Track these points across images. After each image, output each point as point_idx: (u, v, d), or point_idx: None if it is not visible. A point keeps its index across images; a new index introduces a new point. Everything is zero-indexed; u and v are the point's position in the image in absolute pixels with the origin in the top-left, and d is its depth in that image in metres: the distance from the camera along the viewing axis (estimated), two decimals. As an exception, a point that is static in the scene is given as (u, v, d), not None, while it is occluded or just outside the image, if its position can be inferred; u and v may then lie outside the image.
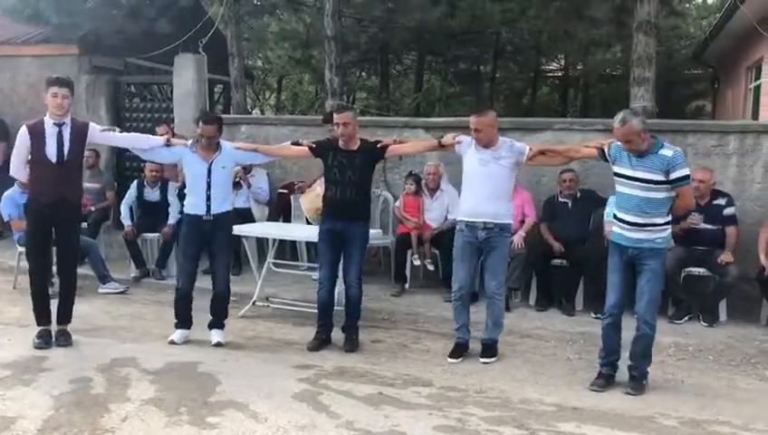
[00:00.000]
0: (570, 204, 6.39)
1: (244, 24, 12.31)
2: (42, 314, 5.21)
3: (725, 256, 5.78)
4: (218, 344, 5.23)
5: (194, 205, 5.27)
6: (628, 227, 4.36)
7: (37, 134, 5.01)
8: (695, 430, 3.85)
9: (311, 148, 5.37)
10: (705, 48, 13.25)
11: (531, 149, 5.00)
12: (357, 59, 14.51)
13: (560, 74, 17.53)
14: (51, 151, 5.00)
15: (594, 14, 10.94)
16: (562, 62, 16.92)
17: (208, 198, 5.22)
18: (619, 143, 4.41)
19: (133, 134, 5.87)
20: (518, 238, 6.24)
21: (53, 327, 5.23)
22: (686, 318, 5.87)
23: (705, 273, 5.95)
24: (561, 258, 6.24)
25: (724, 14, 10.70)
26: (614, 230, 4.50)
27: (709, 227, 5.93)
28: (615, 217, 4.49)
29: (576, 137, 6.65)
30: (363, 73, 16.79)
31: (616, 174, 4.45)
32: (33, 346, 5.06)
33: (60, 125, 5.01)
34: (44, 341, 5.12)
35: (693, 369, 4.95)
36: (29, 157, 5.08)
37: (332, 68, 9.07)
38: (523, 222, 6.47)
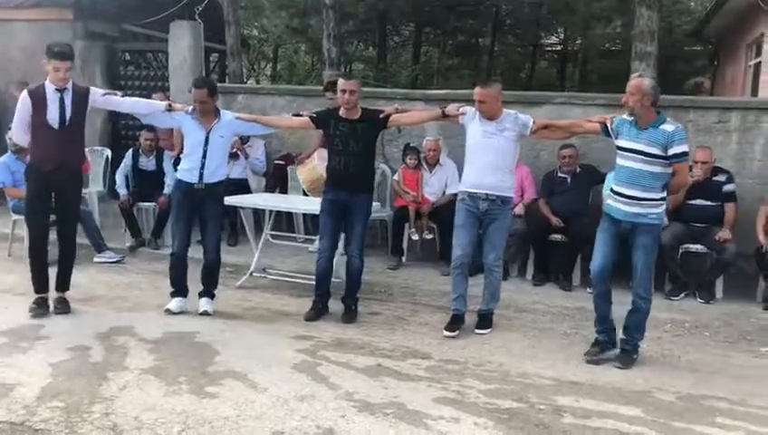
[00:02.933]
0: (569, 179, 6.37)
1: (240, -9, 12.12)
2: (40, 282, 5.17)
3: (723, 234, 5.78)
4: (205, 313, 5.22)
5: (188, 171, 5.23)
6: (624, 199, 4.36)
7: (38, 99, 4.94)
8: (692, 405, 3.88)
9: (312, 118, 5.32)
10: (705, 24, 13.15)
11: (535, 122, 4.96)
12: (355, 29, 14.36)
13: (559, 48, 17.42)
14: (52, 116, 4.94)
15: (596, -12, 10.84)
16: (562, 37, 16.79)
17: (202, 166, 5.17)
18: (621, 117, 4.42)
19: (135, 98, 5.81)
20: (518, 209, 6.25)
21: (51, 295, 5.20)
22: (683, 295, 5.89)
23: (702, 250, 5.96)
24: (559, 233, 6.24)
25: (726, -11, 10.60)
26: (609, 203, 4.50)
27: (708, 203, 5.93)
28: (612, 190, 4.48)
29: (576, 111, 6.62)
30: (361, 44, 16.62)
31: (618, 147, 4.44)
32: (29, 314, 5.04)
33: (61, 90, 4.94)
34: (42, 308, 5.10)
35: (689, 345, 4.98)
36: (29, 122, 5.01)
37: (330, 37, 8.98)
38: (522, 197, 6.46)
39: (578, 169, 6.39)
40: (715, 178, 5.97)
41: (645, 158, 4.27)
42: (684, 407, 3.86)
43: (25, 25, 9.19)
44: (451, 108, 5.11)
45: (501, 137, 4.90)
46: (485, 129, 4.91)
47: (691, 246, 5.96)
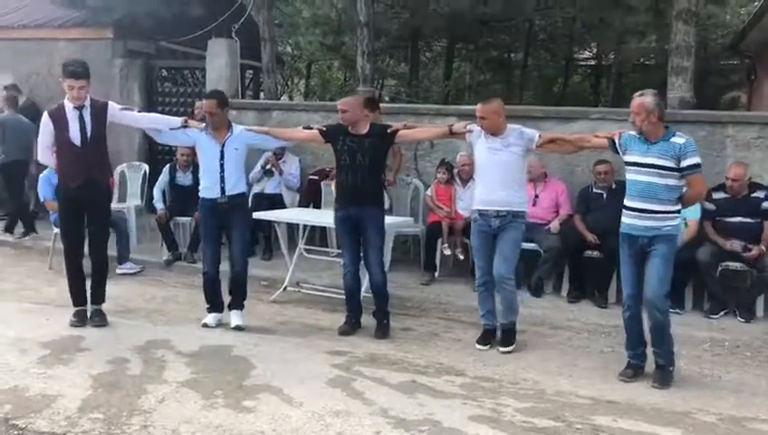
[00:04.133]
0: (605, 195, 6.30)
1: (276, 9, 12.30)
2: (78, 295, 5.30)
3: (756, 250, 5.66)
4: (237, 328, 5.25)
5: (208, 188, 5.29)
6: (638, 214, 4.33)
7: (59, 119, 5.08)
8: (735, 428, 3.79)
9: (321, 131, 5.38)
10: (742, 38, 12.93)
11: (540, 135, 4.96)
12: (387, 45, 14.45)
13: (592, 63, 17.30)
14: (74, 135, 5.07)
15: (630, 2, 10.77)
16: (595, 51, 16.68)
17: (222, 180, 5.23)
18: (629, 133, 4.42)
19: (152, 114, 5.92)
20: (554, 226, 6.25)
21: (89, 307, 5.30)
22: (722, 313, 5.77)
23: (742, 268, 5.83)
24: (594, 250, 6.17)
25: (764, 2, 10.44)
26: (624, 221, 4.45)
27: (747, 220, 5.82)
28: (625, 207, 4.44)
29: (611, 127, 6.47)
30: (392, 60, 16.71)
31: (627, 163, 4.43)
32: (69, 325, 5.14)
33: (80, 108, 5.07)
34: (80, 320, 5.23)
35: (730, 365, 4.87)
36: (54, 142, 5.15)
37: (364, 54, 9.04)
38: (557, 213, 6.42)
39: (614, 185, 6.31)
40: (753, 195, 5.87)
41: (658, 171, 4.26)
42: (726, 429, 3.77)
43: (67, 44, 9.44)
44: (458, 125, 5.15)
45: (507, 152, 4.90)
46: (491, 145, 4.93)
47: (731, 263, 5.84)
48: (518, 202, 4.98)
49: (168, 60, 9.92)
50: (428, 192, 7.03)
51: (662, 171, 4.24)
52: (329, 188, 7.30)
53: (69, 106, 5.08)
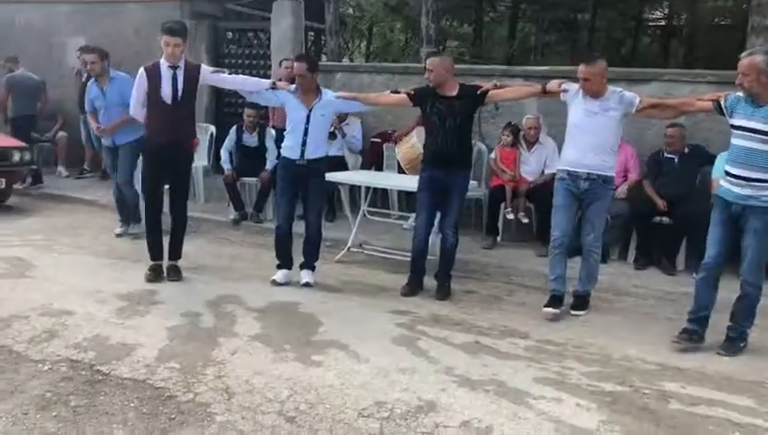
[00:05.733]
0: (676, 160, 6.12)
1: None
2: (154, 251, 5.50)
3: None
4: (306, 284, 5.39)
5: (290, 148, 5.38)
6: (736, 181, 4.18)
7: (153, 76, 5.23)
8: (809, 399, 3.70)
9: (409, 95, 5.35)
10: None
11: (641, 101, 4.79)
12: (451, 5, 14.20)
13: (663, 24, 16.62)
14: (166, 92, 5.22)
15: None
16: (667, 11, 16.02)
17: (304, 143, 5.31)
18: (737, 94, 4.22)
19: (242, 76, 6.02)
20: (621, 191, 6.11)
21: (164, 263, 5.51)
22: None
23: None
24: (664, 215, 6.02)
25: None
26: (721, 184, 4.33)
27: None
28: (725, 171, 4.30)
29: (685, 89, 6.32)
30: (456, 21, 16.44)
31: (732, 126, 4.25)
32: (145, 280, 5.36)
33: (174, 68, 5.21)
34: (156, 274, 5.43)
35: (805, 336, 4.73)
36: (145, 98, 5.31)
37: (429, 14, 8.95)
38: (625, 178, 6.27)
39: (686, 150, 6.13)
40: None
41: (762, 136, 4.07)
42: (800, 400, 3.69)
43: (136, 7, 9.65)
44: (553, 84, 5.00)
45: (605, 116, 4.77)
46: (589, 107, 4.79)
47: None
48: (610, 166, 4.87)
49: (234, 22, 10.02)
50: (492, 155, 6.96)
51: (765, 137, 4.06)
52: (391, 151, 7.32)
53: (164, 65, 5.23)
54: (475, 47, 14.11)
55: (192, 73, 5.30)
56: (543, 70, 7.44)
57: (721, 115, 4.37)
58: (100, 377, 3.63)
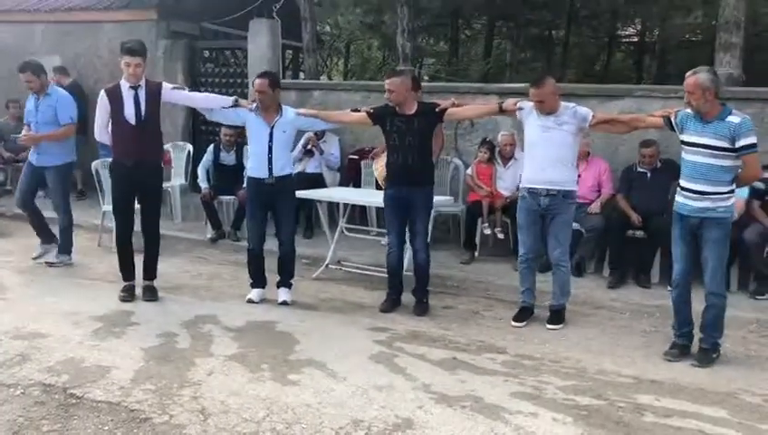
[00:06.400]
0: (648, 174, 6.21)
1: (315, -12, 12.29)
2: (127, 271, 5.47)
3: None
4: (284, 303, 5.39)
5: (256, 168, 5.37)
6: (693, 195, 4.28)
7: (115, 97, 5.22)
8: (780, 409, 3.76)
9: (369, 114, 5.40)
10: (794, 12, 12.52)
11: (594, 116, 4.90)
12: (427, 24, 14.33)
13: (635, 40, 16.89)
14: (129, 113, 5.21)
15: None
16: (639, 27, 16.28)
17: (270, 161, 5.30)
18: (686, 111, 4.34)
19: (202, 93, 6.02)
20: (595, 206, 6.20)
21: (139, 282, 5.47)
22: (769, 294, 5.68)
23: (791, 248, 5.72)
24: (637, 229, 6.10)
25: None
26: (677, 200, 4.42)
27: (798, 200, 5.69)
28: (679, 186, 4.40)
29: (656, 104, 6.42)
30: (432, 39, 16.57)
31: (683, 142, 4.37)
32: (119, 300, 5.31)
33: (135, 88, 5.20)
34: (129, 295, 5.40)
35: (776, 346, 4.81)
36: (109, 120, 5.29)
37: (405, 33, 9.00)
38: (599, 193, 6.36)
39: (658, 164, 6.22)
40: (805, 174, 5.72)
41: (713, 151, 4.19)
42: (772, 410, 3.74)
43: (113, 26, 9.61)
44: (508, 103, 5.12)
45: (560, 130, 4.87)
46: (543, 123, 4.90)
47: (779, 244, 5.73)
48: (569, 181, 4.95)
49: (211, 41, 10.02)
50: (469, 171, 7.02)
51: (717, 151, 4.17)
52: (369, 168, 7.35)
53: (125, 85, 5.22)
54: (452, 65, 14.22)
55: (154, 92, 5.29)
56: (516, 87, 7.51)
57: (672, 131, 4.51)
58: (74, 401, 3.59)
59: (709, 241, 4.27)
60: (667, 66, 16.63)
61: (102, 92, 5.31)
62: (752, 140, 4.15)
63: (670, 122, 4.45)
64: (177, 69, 9.28)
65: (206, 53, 9.68)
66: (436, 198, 6.30)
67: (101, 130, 5.39)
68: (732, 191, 4.29)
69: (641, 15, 15.03)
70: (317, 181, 7.46)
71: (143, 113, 5.23)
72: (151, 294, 5.42)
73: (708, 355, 4.39)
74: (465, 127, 7.38)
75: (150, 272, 5.52)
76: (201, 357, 4.24)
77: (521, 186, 5.14)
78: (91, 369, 4.00)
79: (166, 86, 5.42)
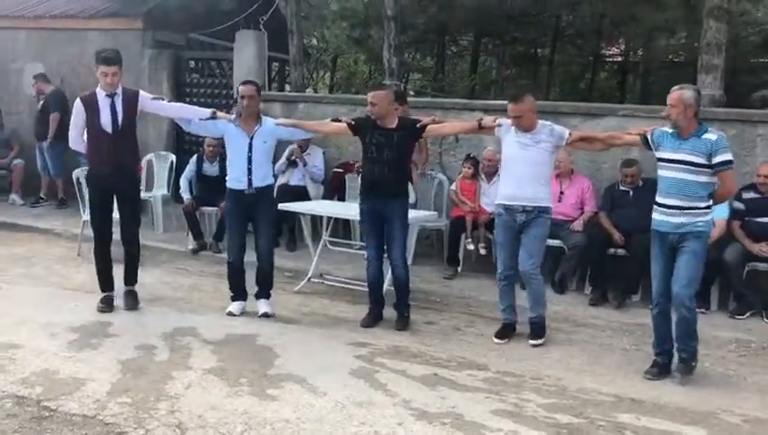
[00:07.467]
0: (631, 193, 6.25)
1: (303, 1, 12.32)
2: (105, 281, 5.41)
3: (760, 247, 5.61)
4: (265, 315, 5.36)
5: (236, 179, 5.34)
6: (670, 211, 4.31)
7: (91, 105, 5.18)
8: (759, 429, 3.77)
9: (350, 125, 5.40)
10: (775, 35, 12.73)
11: (571, 134, 4.96)
12: (413, 39, 14.40)
13: (619, 59, 17.10)
14: (105, 122, 5.17)
15: (661, -2, 10.65)
16: (623, 47, 16.49)
17: (249, 172, 5.28)
18: (661, 129, 4.40)
19: (180, 104, 6.00)
20: (577, 224, 6.23)
21: (118, 293, 5.42)
22: (749, 314, 5.71)
23: (770, 268, 5.77)
24: (619, 248, 6.13)
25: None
26: (654, 217, 4.44)
27: (776, 220, 5.75)
28: (656, 203, 4.43)
29: (639, 123, 6.42)
30: (418, 54, 16.66)
31: (659, 159, 4.42)
32: (97, 310, 5.24)
33: (112, 96, 5.16)
34: (108, 305, 5.34)
35: (755, 366, 4.82)
36: (85, 128, 5.25)
37: (391, 48, 9.02)
38: (582, 210, 6.39)
39: (640, 183, 6.26)
40: (783, 196, 5.79)
41: (690, 167, 4.24)
42: (750, 430, 3.75)
43: (99, 34, 9.53)
44: (488, 120, 5.18)
45: (537, 148, 4.92)
46: (520, 140, 4.94)
47: (758, 264, 5.77)
48: (544, 198, 4.99)
49: (197, 51, 10.00)
50: (453, 187, 7.03)
51: (693, 167, 4.22)
52: (353, 181, 7.33)
53: (101, 94, 5.18)
54: (438, 80, 14.28)
55: (131, 100, 5.24)
56: (501, 104, 7.53)
57: (648, 149, 4.56)
58: (47, 413, 3.53)
59: (685, 252, 4.28)
60: (650, 86, 16.82)
61: (78, 100, 5.26)
62: (728, 156, 4.21)
63: (646, 140, 4.50)
64: (163, 79, 9.23)
65: (192, 64, 9.65)
66: (421, 213, 6.33)
67: (77, 138, 5.34)
68: (709, 207, 4.32)
69: (625, 36, 15.22)
70: (301, 194, 7.43)
71: (120, 122, 5.18)
72: (133, 300, 5.38)
73: (689, 364, 4.40)
74: (450, 142, 7.40)
75: (132, 278, 5.49)
76: (179, 370, 4.19)
77: (497, 202, 5.16)
78: (66, 381, 3.94)
79: (144, 95, 5.37)
